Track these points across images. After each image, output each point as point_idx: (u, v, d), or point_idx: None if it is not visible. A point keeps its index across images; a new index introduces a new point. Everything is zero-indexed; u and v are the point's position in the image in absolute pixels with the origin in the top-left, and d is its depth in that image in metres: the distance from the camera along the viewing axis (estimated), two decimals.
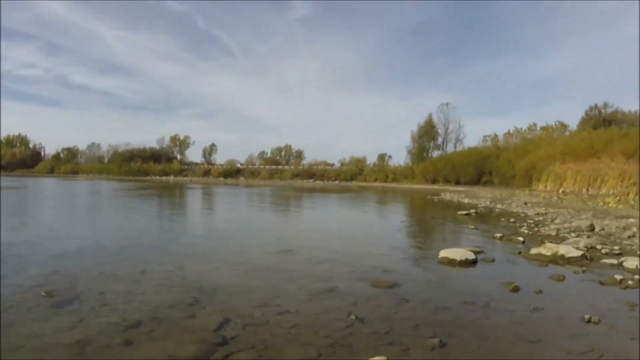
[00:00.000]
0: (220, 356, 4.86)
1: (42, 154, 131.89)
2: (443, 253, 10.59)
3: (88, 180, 61.47)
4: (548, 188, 34.03)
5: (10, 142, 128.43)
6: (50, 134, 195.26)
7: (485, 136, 77.00)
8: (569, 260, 10.13)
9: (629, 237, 12.82)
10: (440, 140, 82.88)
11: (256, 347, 5.13)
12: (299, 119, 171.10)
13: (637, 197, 21.85)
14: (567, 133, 55.54)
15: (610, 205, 21.42)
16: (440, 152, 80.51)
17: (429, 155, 79.75)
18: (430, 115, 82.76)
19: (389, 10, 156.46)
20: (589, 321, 6.18)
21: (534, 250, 11.10)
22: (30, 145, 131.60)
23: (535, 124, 68.89)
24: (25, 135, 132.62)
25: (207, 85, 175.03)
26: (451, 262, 10.11)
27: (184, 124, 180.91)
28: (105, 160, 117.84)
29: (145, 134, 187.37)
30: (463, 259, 10.15)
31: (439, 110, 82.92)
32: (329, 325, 5.94)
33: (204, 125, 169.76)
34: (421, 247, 13.57)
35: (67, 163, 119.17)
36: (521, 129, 70.38)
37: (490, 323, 6.22)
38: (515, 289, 7.83)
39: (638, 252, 10.57)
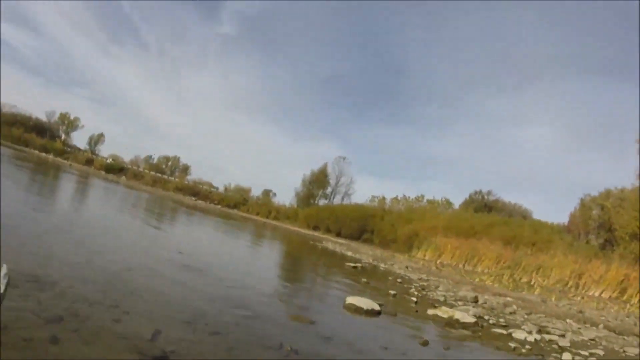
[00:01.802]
0: None
1: None
2: (349, 300, 11.00)
3: None
4: (427, 257, 36.05)
5: None
6: None
7: (373, 196, 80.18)
8: (463, 325, 10.91)
9: (510, 313, 13.98)
10: (329, 190, 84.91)
11: None
12: (193, 133, 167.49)
13: (511, 279, 23.85)
14: (450, 210, 59.38)
15: (486, 282, 23.21)
16: (327, 201, 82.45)
17: (315, 202, 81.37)
18: (325, 164, 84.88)
19: (308, 55, 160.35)
20: None
21: (430, 311, 11.84)
22: None
23: (422, 196, 73.15)
24: None
25: (111, 70, 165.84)
26: (358, 310, 10.51)
27: (76, 103, 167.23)
28: None
29: (34, 102, 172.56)
30: (369, 308, 10.60)
31: (335, 161, 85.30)
32: (266, 353, 6.08)
33: (96, 109, 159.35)
34: (323, 290, 13.91)
35: None
36: (409, 197, 74.35)
37: None
38: (425, 343, 8.40)
39: (522, 327, 11.51)
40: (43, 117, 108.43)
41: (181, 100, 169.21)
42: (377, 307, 10.77)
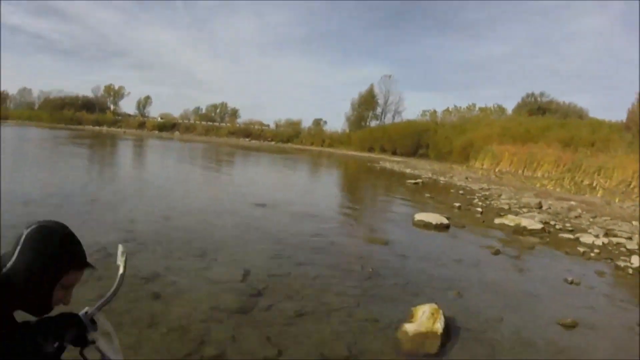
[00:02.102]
0: (263, 306, 5.10)
1: None
2: (418, 216, 11.42)
3: (18, 127, 57.33)
4: (485, 166, 35.85)
5: None
6: None
7: (424, 110, 78.85)
8: (531, 232, 11.18)
9: (575, 217, 14.14)
10: (379, 110, 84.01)
11: (293, 297, 5.49)
12: (235, 78, 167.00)
13: (572, 183, 23.67)
14: (503, 116, 58.05)
15: (548, 187, 23.16)
16: (378, 122, 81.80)
17: (367, 124, 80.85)
18: (372, 85, 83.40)
19: None
20: (571, 282, 7.13)
21: (497, 220, 12.14)
22: None
23: (474, 104, 71.46)
24: None
25: (144, 36, 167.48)
26: (427, 225, 10.93)
27: (118, 73, 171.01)
28: (36, 106, 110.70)
29: (78, 82, 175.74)
30: (438, 222, 11.00)
31: (381, 81, 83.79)
32: (350, 277, 6.54)
33: (138, 76, 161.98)
34: (390, 209, 14.36)
35: None
36: (460, 107, 72.83)
37: (488, 279, 7.09)
38: (497, 252, 8.78)
39: (588, 231, 11.70)
40: (90, 94, 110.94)
41: (218, 49, 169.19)
42: (445, 221, 11.17)
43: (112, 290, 2.20)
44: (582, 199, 18.63)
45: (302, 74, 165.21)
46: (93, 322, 2.15)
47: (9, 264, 1.57)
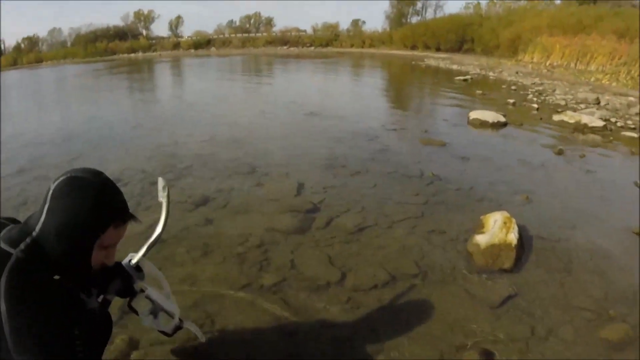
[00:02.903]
0: (321, 223, 4.80)
1: (2, 47, 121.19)
2: (473, 114, 10.85)
3: (53, 67, 56.32)
4: (535, 60, 33.99)
5: None
6: (6, 26, 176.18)
7: (467, 3, 75.09)
8: (592, 130, 10.49)
9: (636, 113, 13.23)
10: (419, 5, 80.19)
11: (351, 210, 5.17)
12: None
13: (629, 77, 22.20)
14: (552, 6, 54.54)
15: (603, 81, 21.81)
16: (419, 18, 78.32)
17: (408, 21, 77.64)
18: None
19: None
20: None
21: (555, 117, 11.46)
22: None
23: None
24: None
25: None
26: (483, 124, 10.39)
27: None
28: (69, 44, 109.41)
29: (106, 13, 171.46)
30: (495, 121, 10.44)
31: None
32: (410, 183, 6.19)
33: None
34: (442, 109, 13.76)
35: (29, 53, 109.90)
36: None
37: (555, 182, 6.64)
38: (560, 152, 8.24)
39: None
40: (120, 23, 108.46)
41: None
42: (502, 119, 10.57)
43: (157, 232, 1.90)
44: None
45: None
46: (139, 269, 1.87)
47: (37, 227, 1.25)
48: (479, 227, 4.41)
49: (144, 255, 1.86)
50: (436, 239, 4.46)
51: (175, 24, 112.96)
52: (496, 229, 4.21)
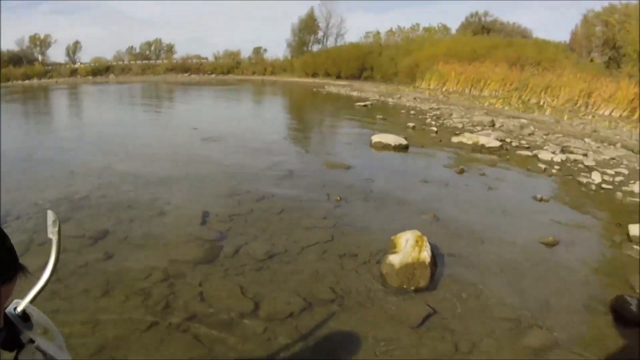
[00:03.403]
0: (229, 252, 4.56)
1: None
2: (375, 138, 11.02)
3: None
4: (432, 86, 35.70)
5: None
6: None
7: (367, 32, 77.45)
8: (490, 150, 11.01)
9: (529, 134, 14.08)
10: (320, 34, 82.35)
11: (260, 237, 4.96)
12: (167, 12, 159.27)
13: (520, 101, 23.76)
14: (448, 37, 57.71)
15: (496, 106, 23.19)
16: (320, 46, 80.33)
17: (309, 49, 79.38)
18: (312, 8, 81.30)
19: None
20: (540, 200, 6.96)
21: (454, 139, 11.90)
22: None
23: (418, 24, 70.62)
24: None
25: None
26: (386, 147, 10.57)
27: (41, 21, 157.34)
28: None
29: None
30: (397, 143, 10.65)
31: (321, 4, 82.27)
32: (317, 207, 6.07)
33: (64, 21, 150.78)
34: (345, 133, 13.92)
35: None
36: (404, 27, 71.97)
37: (459, 199, 6.83)
38: (461, 171, 8.53)
39: (544, 148, 11.61)
40: (14, 47, 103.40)
41: None
42: (404, 142, 10.81)
43: (46, 274, 1.64)
44: (531, 117, 18.68)
45: (238, 2, 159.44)
46: (26, 318, 1.62)
47: None
48: (391, 247, 4.36)
49: (31, 301, 1.58)
50: (349, 262, 4.35)
51: (73, 49, 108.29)
52: (408, 248, 4.16)
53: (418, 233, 4.41)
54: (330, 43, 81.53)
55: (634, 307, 3.59)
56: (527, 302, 3.69)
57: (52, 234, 1.70)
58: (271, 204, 6.18)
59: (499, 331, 3.25)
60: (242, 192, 6.65)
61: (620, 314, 3.60)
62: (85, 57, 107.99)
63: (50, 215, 1.74)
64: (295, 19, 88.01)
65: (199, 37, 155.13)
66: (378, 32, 76.77)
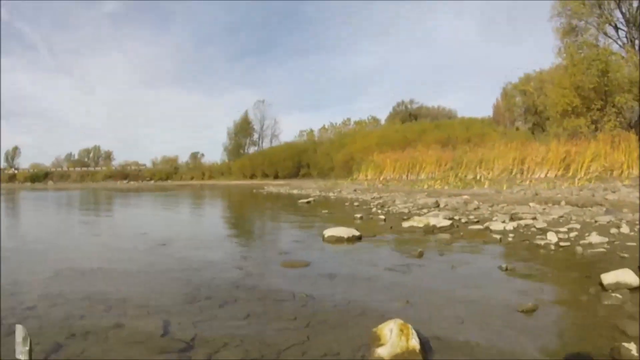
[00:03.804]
0: None
1: None
2: (327, 232, 10.92)
3: None
4: (369, 177, 36.60)
5: None
6: None
7: (301, 131, 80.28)
8: (442, 230, 11.15)
9: (475, 209, 14.41)
10: (256, 136, 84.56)
11: (229, 344, 4.60)
12: (106, 119, 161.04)
13: (457, 179, 24.59)
14: (378, 127, 60.17)
15: (436, 187, 23.88)
16: (256, 148, 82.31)
17: (246, 151, 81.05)
18: (246, 112, 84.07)
19: (197, 9, 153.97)
20: (506, 269, 6.99)
21: (405, 224, 12.01)
22: None
23: (349, 119, 74.01)
24: None
25: (6, 83, 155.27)
26: (339, 240, 10.47)
27: None
28: None
29: None
30: (350, 235, 10.58)
31: (254, 107, 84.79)
32: (285, 308, 5.73)
33: (4, 126, 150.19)
34: (294, 231, 13.75)
35: None
36: (336, 123, 74.92)
37: (427, 282, 6.73)
38: (421, 255, 8.48)
39: (493, 219, 11.86)
40: None
41: (86, 90, 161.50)
42: (356, 233, 10.74)
43: None
44: (472, 192, 19.30)
45: (175, 109, 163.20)
46: None
47: None
48: (375, 340, 4.13)
49: None
50: None
51: (12, 155, 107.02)
52: (394, 338, 3.95)
53: (400, 321, 4.21)
54: (265, 144, 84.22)
55: (634, 352, 3.52)
56: None
57: (22, 354, 1.44)
58: (235, 308, 5.82)
59: None
60: (202, 298, 6.25)
61: None
62: (24, 162, 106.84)
63: (20, 331, 1.47)
64: (230, 123, 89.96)
65: (137, 143, 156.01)
66: (311, 130, 79.92)
